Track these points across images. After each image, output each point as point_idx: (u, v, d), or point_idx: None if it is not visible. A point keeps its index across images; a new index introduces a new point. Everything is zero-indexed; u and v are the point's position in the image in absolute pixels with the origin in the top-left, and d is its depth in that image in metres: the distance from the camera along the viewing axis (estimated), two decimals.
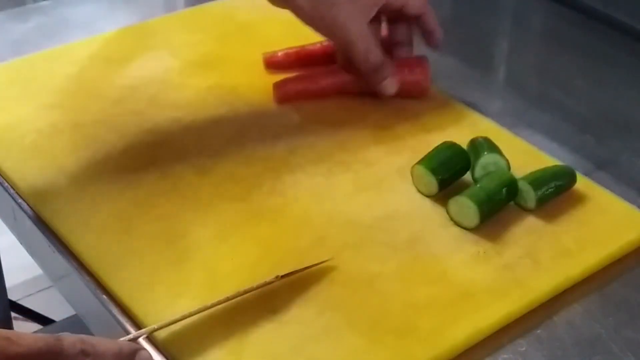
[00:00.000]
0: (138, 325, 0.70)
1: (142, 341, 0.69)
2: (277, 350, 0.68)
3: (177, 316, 0.68)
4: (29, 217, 0.80)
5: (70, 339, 0.59)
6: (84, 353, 0.59)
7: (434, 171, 0.81)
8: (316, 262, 0.74)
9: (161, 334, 0.68)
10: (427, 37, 0.96)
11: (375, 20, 0.93)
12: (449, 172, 0.82)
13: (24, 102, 0.93)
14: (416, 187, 0.83)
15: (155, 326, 0.67)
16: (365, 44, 0.89)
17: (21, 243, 0.86)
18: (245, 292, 0.71)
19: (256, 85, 0.98)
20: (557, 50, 1.12)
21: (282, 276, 0.72)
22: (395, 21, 0.96)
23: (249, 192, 0.81)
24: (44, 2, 1.17)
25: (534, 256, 0.77)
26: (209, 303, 0.69)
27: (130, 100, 0.94)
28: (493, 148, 0.84)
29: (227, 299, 0.70)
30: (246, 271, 0.74)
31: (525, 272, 0.75)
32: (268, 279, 0.72)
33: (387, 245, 0.77)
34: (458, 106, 0.96)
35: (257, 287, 0.71)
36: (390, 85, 0.92)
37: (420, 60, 0.96)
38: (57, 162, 0.84)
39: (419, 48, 0.97)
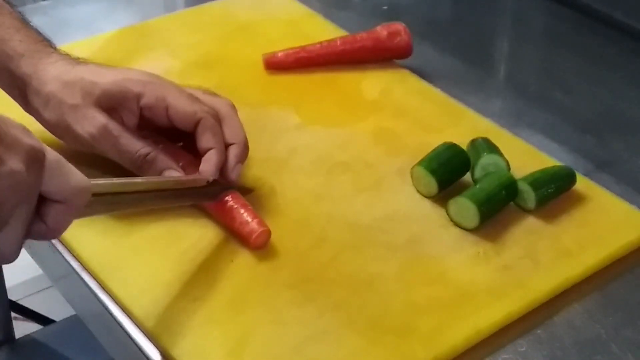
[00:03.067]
0: (138, 326, 0.70)
1: (146, 344, 0.69)
2: (277, 350, 0.68)
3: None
4: None
5: None
6: None
7: (433, 172, 0.81)
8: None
9: (162, 335, 0.68)
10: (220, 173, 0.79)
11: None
12: (448, 172, 0.82)
13: None
14: (416, 187, 0.83)
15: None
16: (111, 141, 0.78)
17: None
18: (174, 183, 0.74)
19: (256, 85, 0.98)
20: (557, 50, 1.12)
21: (212, 182, 0.76)
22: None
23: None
24: (44, 2, 1.17)
25: (534, 256, 0.77)
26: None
27: None
28: (493, 148, 0.84)
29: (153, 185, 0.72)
30: (246, 271, 0.74)
31: (525, 272, 0.75)
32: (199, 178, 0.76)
33: (387, 245, 0.77)
34: (458, 106, 0.96)
35: (185, 180, 0.75)
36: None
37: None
38: None
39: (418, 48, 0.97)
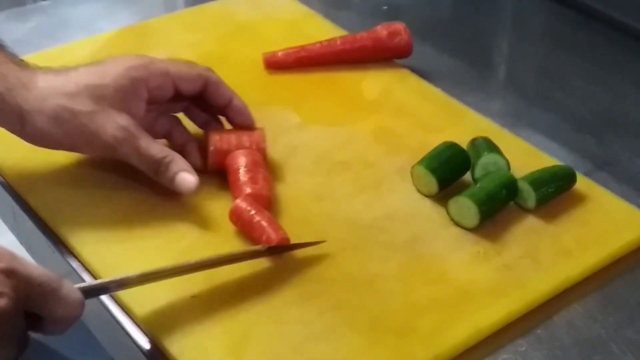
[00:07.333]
0: (138, 325, 0.70)
1: (146, 344, 0.69)
2: (277, 350, 0.68)
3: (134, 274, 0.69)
4: (29, 217, 0.80)
5: None
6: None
7: (434, 171, 0.81)
8: (308, 241, 0.75)
9: (162, 335, 0.68)
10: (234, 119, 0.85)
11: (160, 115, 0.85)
12: (448, 172, 0.82)
13: None
14: (416, 187, 0.83)
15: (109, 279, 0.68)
16: (132, 143, 0.78)
17: (21, 243, 0.86)
18: (232, 257, 0.73)
19: (256, 85, 0.98)
20: (557, 50, 1.12)
21: (270, 247, 0.73)
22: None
23: None
24: (44, 2, 1.17)
25: (534, 256, 0.77)
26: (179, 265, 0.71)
27: None
28: (493, 148, 0.84)
29: (207, 263, 0.72)
30: (246, 270, 0.74)
31: (525, 272, 0.75)
32: (255, 247, 0.74)
33: (387, 245, 0.77)
34: (458, 106, 0.96)
35: (242, 255, 0.73)
36: (186, 180, 0.78)
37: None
38: (57, 162, 0.84)
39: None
